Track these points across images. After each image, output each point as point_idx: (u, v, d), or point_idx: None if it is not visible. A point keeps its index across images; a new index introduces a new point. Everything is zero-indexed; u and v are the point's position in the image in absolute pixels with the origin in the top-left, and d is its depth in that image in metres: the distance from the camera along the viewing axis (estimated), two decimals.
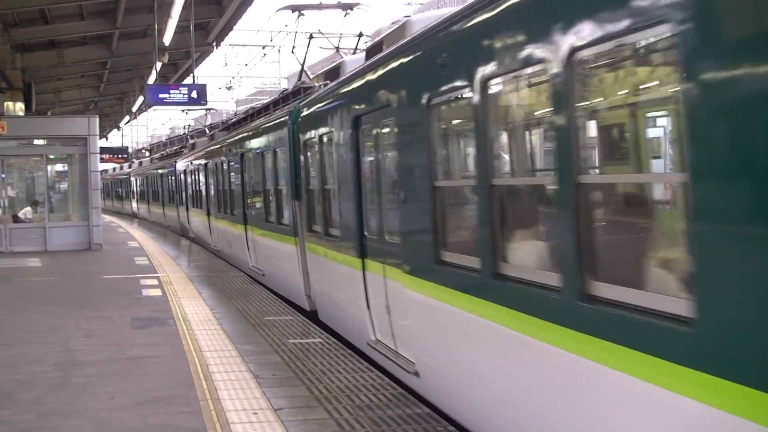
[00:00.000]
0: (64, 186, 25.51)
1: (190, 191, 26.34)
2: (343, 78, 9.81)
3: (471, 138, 5.90)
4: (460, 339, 6.12)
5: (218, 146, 20.53)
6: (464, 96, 5.93)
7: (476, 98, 5.54)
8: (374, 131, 8.20)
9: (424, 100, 6.49)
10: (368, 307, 8.63)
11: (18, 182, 25.04)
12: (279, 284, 14.02)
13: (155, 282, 15.55)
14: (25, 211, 23.84)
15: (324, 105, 10.34)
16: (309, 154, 11.43)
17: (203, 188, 23.06)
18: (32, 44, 25.59)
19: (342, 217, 9.49)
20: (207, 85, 22.67)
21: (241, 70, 42.71)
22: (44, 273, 18.25)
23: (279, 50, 39.02)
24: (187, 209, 27.21)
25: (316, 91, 11.74)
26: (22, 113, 24.44)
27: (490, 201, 5.44)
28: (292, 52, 18.69)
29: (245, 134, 16.79)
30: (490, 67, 5.33)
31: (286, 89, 15.69)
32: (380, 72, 7.92)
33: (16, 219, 23.63)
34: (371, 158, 8.46)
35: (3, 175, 23.51)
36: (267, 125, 14.42)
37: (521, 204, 5.62)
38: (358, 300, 8.86)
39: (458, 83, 5.90)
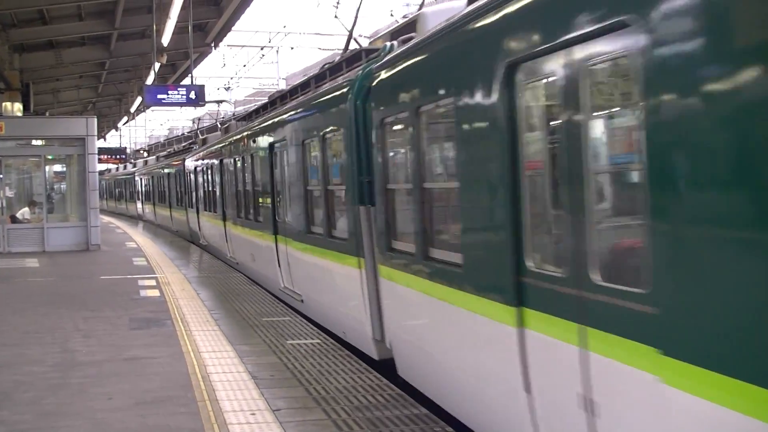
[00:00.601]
0: (62, 186, 25.54)
1: (201, 192, 23.34)
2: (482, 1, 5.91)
3: None
4: None
5: (237, 139, 17.20)
6: None
7: None
8: (564, 83, 4.61)
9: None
10: (527, 390, 5.27)
11: (16, 183, 25.04)
12: (328, 317, 10.79)
13: (153, 283, 15.55)
14: (23, 212, 23.85)
15: (428, 59, 6.97)
16: (392, 138, 8.11)
17: (217, 188, 20.07)
18: (30, 45, 25.59)
19: (470, 235, 6.09)
20: (205, 86, 22.73)
21: (240, 71, 42.68)
22: (42, 273, 18.24)
23: (278, 51, 38.95)
24: (197, 212, 24.18)
25: (388, 52, 8.67)
26: (20, 114, 24.47)
27: None
28: (336, 17, 16.27)
29: (275, 120, 13.34)
30: None
31: (330, 62, 12.04)
32: None
33: (14, 219, 23.65)
34: (549, 134, 5.00)
35: (1, 176, 23.51)
36: (312, 104, 11.03)
37: None
38: (504, 374, 5.54)
39: None
